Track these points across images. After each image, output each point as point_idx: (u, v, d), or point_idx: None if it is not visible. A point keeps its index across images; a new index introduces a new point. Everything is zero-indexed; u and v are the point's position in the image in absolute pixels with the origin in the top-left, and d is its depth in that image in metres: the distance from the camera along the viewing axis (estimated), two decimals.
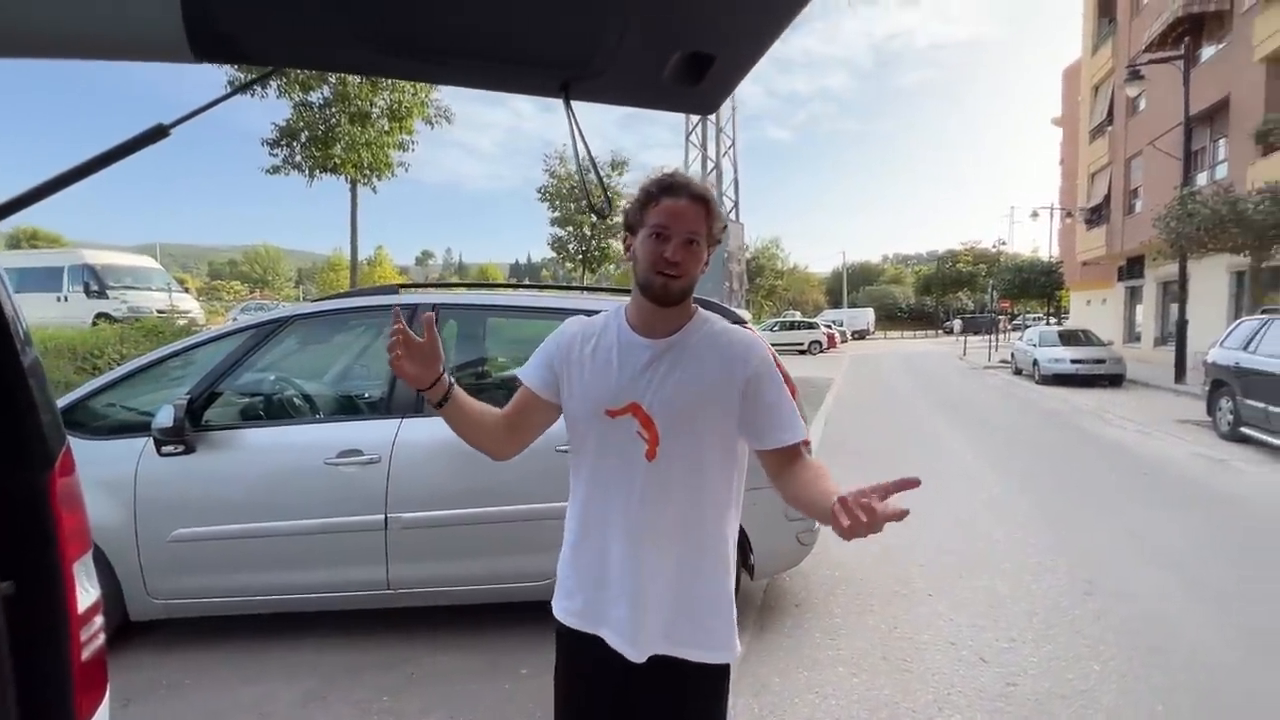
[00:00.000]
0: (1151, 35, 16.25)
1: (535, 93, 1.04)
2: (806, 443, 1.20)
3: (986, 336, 26.26)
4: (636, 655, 1.16)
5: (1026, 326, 23.10)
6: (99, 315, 12.16)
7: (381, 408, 2.77)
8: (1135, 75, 14.47)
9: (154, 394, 2.86)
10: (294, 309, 2.97)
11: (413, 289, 3.16)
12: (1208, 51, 15.67)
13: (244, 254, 76.42)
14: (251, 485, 2.61)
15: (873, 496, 0.91)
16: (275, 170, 11.75)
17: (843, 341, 33.75)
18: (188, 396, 2.58)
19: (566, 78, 1.00)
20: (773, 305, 39.13)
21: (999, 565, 3.75)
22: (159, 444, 2.52)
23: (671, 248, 1.11)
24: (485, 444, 1.26)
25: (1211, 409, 8.13)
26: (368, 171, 11.68)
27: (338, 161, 11.20)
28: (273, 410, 2.88)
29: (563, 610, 1.25)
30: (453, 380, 1.20)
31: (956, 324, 47.63)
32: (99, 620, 1.13)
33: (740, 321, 3.09)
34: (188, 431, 2.54)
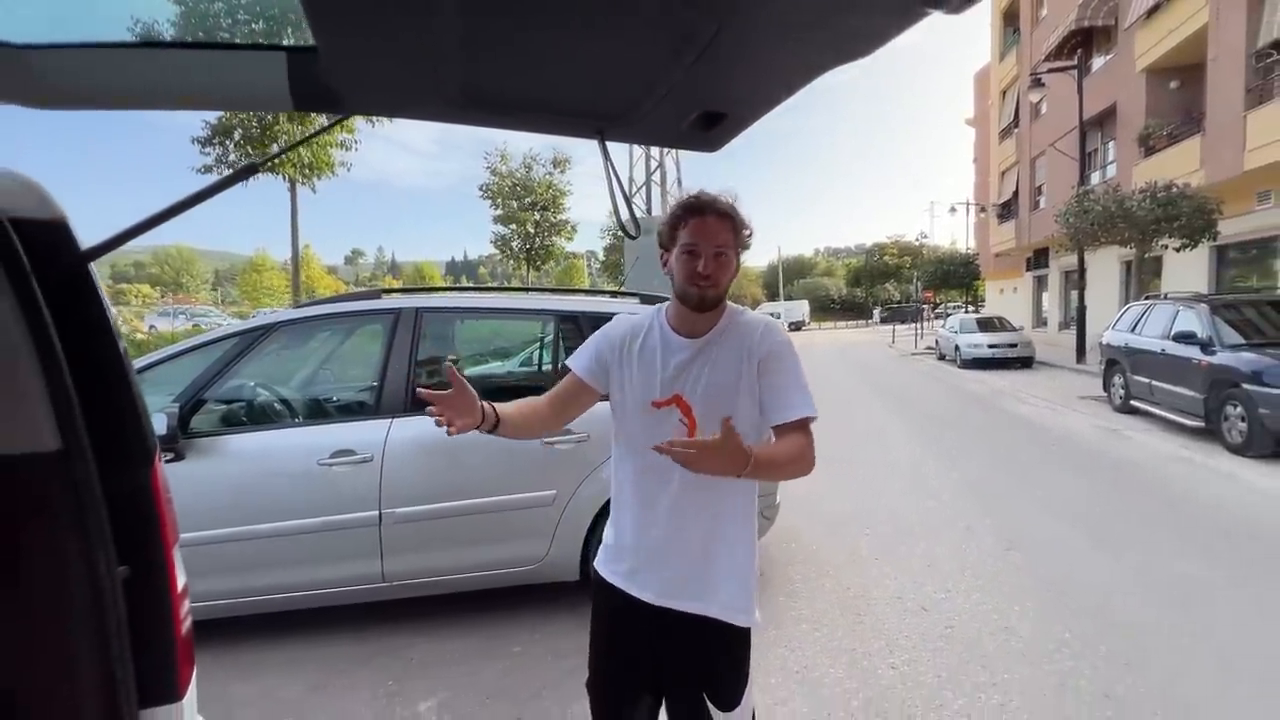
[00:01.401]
0: (1049, 46, 17.74)
1: (575, 135, 1.25)
2: (804, 421, 1.30)
3: (912, 325, 27.93)
4: (680, 606, 1.36)
5: (948, 315, 24.75)
6: None
7: (371, 409, 2.87)
8: (1037, 82, 15.80)
9: None
10: (278, 315, 3.01)
11: (397, 293, 3.25)
12: (1098, 62, 17.26)
13: (152, 255, 71.12)
14: (246, 489, 2.67)
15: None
16: (207, 169, 11.17)
17: None
18: (178, 404, 2.62)
19: (602, 126, 1.21)
20: None
21: (935, 531, 4.21)
22: None
23: (703, 262, 1.27)
24: (536, 434, 1.43)
25: (1107, 385, 9.12)
26: (307, 171, 11.29)
27: (276, 161, 10.77)
28: (262, 415, 2.93)
29: (610, 571, 1.45)
30: (493, 407, 1.29)
31: (876, 313, 50.06)
32: (188, 601, 1.26)
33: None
34: (179, 439, 2.58)
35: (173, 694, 1.17)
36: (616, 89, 1.06)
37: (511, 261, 23.74)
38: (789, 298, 57.09)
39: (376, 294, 3.17)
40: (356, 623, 2.95)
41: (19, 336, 0.98)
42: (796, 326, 45.34)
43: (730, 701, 1.41)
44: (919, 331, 25.65)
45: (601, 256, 38.75)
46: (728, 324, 1.38)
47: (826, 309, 60.89)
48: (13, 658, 1.04)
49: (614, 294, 3.94)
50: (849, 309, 61.86)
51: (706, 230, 1.28)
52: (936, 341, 19.17)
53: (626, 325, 1.45)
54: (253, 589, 2.69)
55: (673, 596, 1.37)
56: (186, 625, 1.23)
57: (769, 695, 2.44)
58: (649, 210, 18.22)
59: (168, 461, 2.57)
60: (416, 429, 2.83)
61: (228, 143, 11.00)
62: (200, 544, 2.59)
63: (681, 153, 18.63)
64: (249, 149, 10.86)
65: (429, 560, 2.84)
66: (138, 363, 2.85)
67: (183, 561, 2.68)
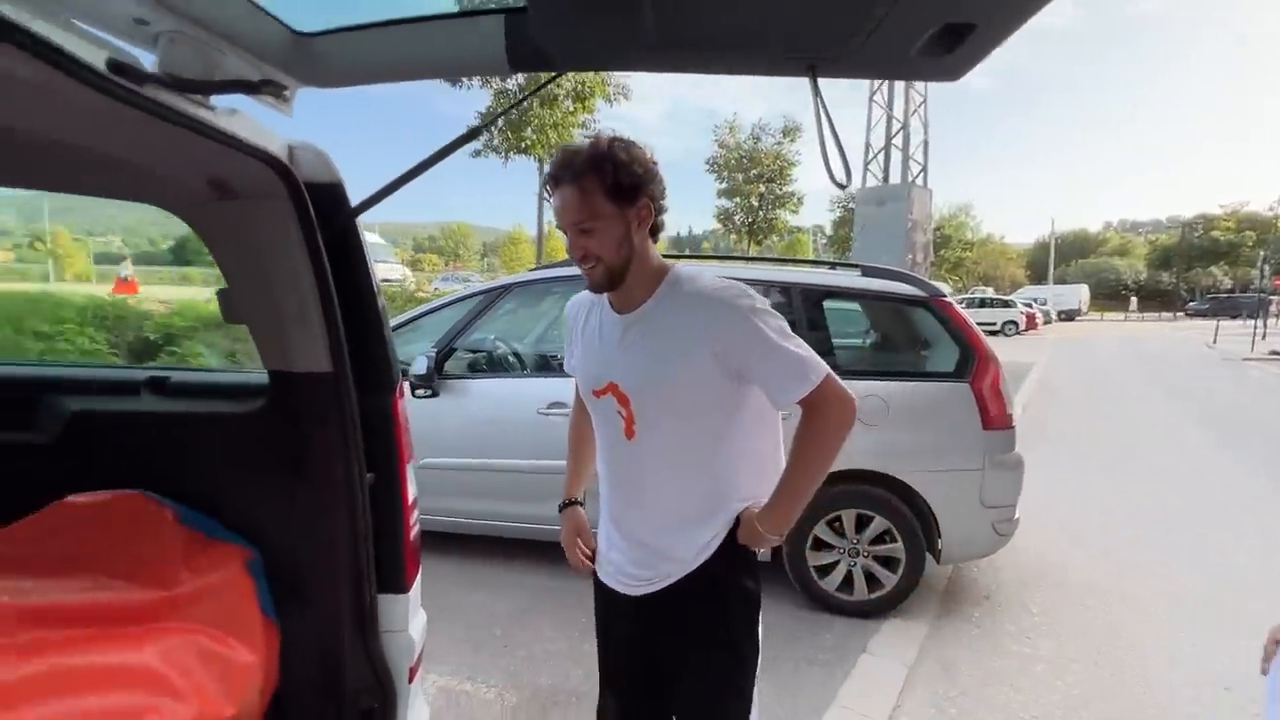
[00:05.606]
0: None
1: (783, 74, 1.12)
2: (811, 396, 1.07)
3: (1249, 321, 21.26)
4: (634, 590, 1.23)
5: None
6: None
7: None
8: None
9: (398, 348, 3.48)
10: (511, 278, 3.41)
11: None
12: None
13: (440, 230, 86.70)
14: (481, 427, 3.09)
15: None
16: (477, 154, 13.21)
17: (1045, 323, 29.49)
18: (435, 350, 3.12)
19: (814, 59, 1.06)
20: (959, 280, 35.38)
21: (1247, 581, 3.17)
22: (413, 387, 3.08)
23: (569, 244, 1.10)
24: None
25: None
26: (554, 151, 12.56)
27: (528, 143, 12.26)
28: (498, 365, 3.36)
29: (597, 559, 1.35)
30: (571, 502, 1.46)
31: (1133, 302, 39.27)
32: (417, 512, 1.48)
33: (938, 294, 2.93)
34: (435, 379, 3.08)
35: (401, 586, 1.38)
36: (832, 7, 0.91)
37: (733, 236, 23.77)
38: (1062, 281, 47.64)
39: None
40: (554, 559, 3.24)
41: (307, 276, 1.21)
42: (1068, 316, 37.72)
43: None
44: (1259, 329, 19.39)
45: (829, 231, 36.75)
46: (665, 294, 1.13)
47: (1115, 296, 49.57)
48: (296, 528, 1.32)
49: (833, 265, 3.65)
50: (1150, 297, 49.50)
51: (562, 205, 1.08)
52: None
53: (579, 302, 1.30)
54: (474, 513, 3.13)
55: (634, 587, 1.24)
56: (415, 531, 1.44)
57: None
58: (885, 178, 16.55)
59: (426, 398, 3.09)
60: None
61: (493, 129, 12.79)
62: (441, 468, 3.08)
63: (930, 112, 16.51)
64: (509, 133, 12.50)
65: None
66: (412, 313, 3.46)
67: (428, 481, 3.16)
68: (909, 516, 2.75)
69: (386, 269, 16.42)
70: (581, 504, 1.45)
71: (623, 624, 1.30)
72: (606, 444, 1.24)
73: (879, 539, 2.81)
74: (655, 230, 1.16)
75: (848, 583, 2.84)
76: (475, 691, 2.27)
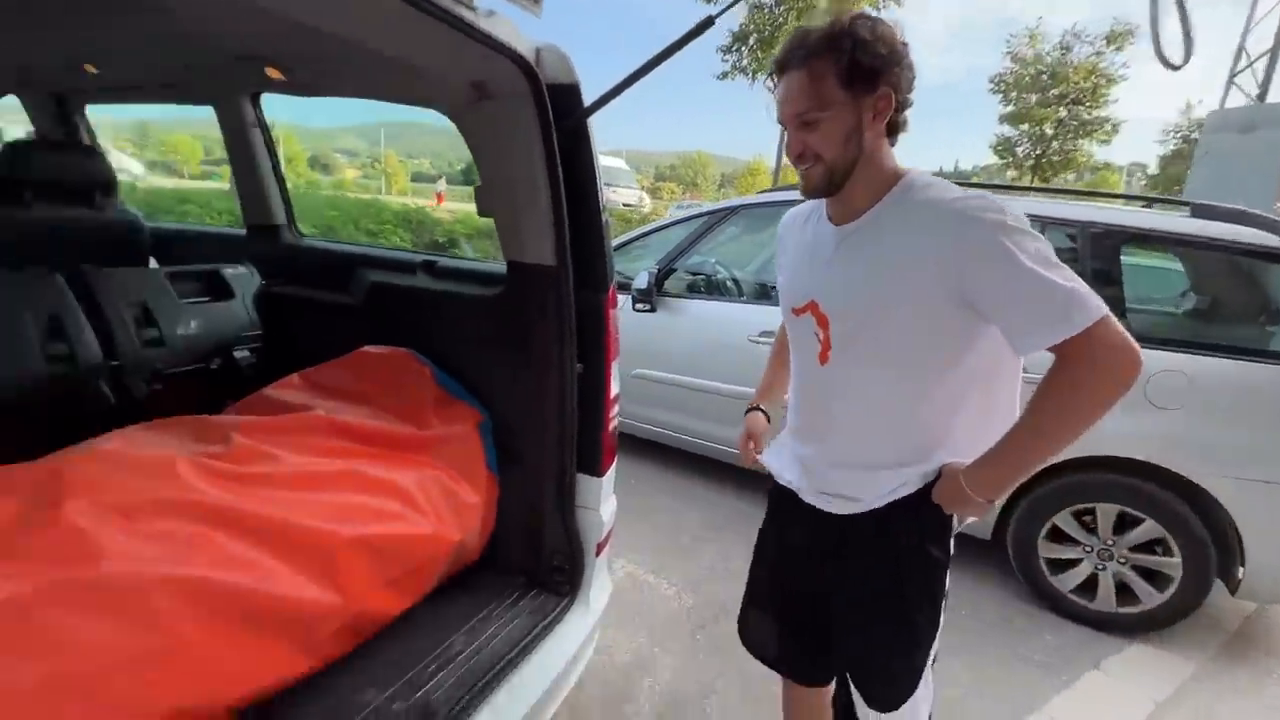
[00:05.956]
0: None
1: None
2: (1072, 342, 0.83)
3: None
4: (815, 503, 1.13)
5: None
6: None
7: None
8: None
9: (622, 264, 3.66)
10: (738, 200, 3.33)
11: None
12: None
13: (680, 158, 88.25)
14: (691, 346, 3.17)
15: None
16: (724, 76, 12.89)
17: None
18: (657, 268, 3.23)
19: None
20: None
21: None
22: (635, 301, 3.25)
23: (787, 141, 0.97)
24: None
25: None
26: None
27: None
28: (712, 287, 3.37)
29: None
30: (756, 407, 1.38)
31: None
32: (617, 408, 1.58)
33: None
34: (654, 295, 3.21)
35: (597, 470, 1.51)
36: None
37: (1012, 172, 20.01)
38: None
39: None
40: (747, 483, 3.27)
41: (541, 174, 1.31)
42: None
43: (882, 695, 1.08)
44: None
45: (1153, 169, 28.85)
46: (892, 202, 0.96)
47: None
48: (517, 402, 1.51)
49: (1150, 201, 2.85)
50: None
51: (785, 94, 0.94)
52: None
53: (795, 214, 1.19)
54: (675, 426, 3.27)
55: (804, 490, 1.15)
56: (613, 425, 1.54)
57: None
58: (1262, 94, 12.02)
59: (645, 312, 3.24)
60: None
61: (742, 48, 12.27)
62: (651, 380, 3.25)
63: None
64: (759, 52, 11.86)
65: None
66: (641, 230, 3.61)
67: (639, 390, 3.33)
68: (1198, 528, 2.16)
69: (627, 194, 17.39)
70: (765, 413, 1.38)
71: (796, 529, 1.18)
72: (799, 369, 1.14)
73: (1146, 547, 2.27)
74: (894, 129, 0.99)
75: (1087, 587, 2.38)
76: (656, 585, 2.45)
